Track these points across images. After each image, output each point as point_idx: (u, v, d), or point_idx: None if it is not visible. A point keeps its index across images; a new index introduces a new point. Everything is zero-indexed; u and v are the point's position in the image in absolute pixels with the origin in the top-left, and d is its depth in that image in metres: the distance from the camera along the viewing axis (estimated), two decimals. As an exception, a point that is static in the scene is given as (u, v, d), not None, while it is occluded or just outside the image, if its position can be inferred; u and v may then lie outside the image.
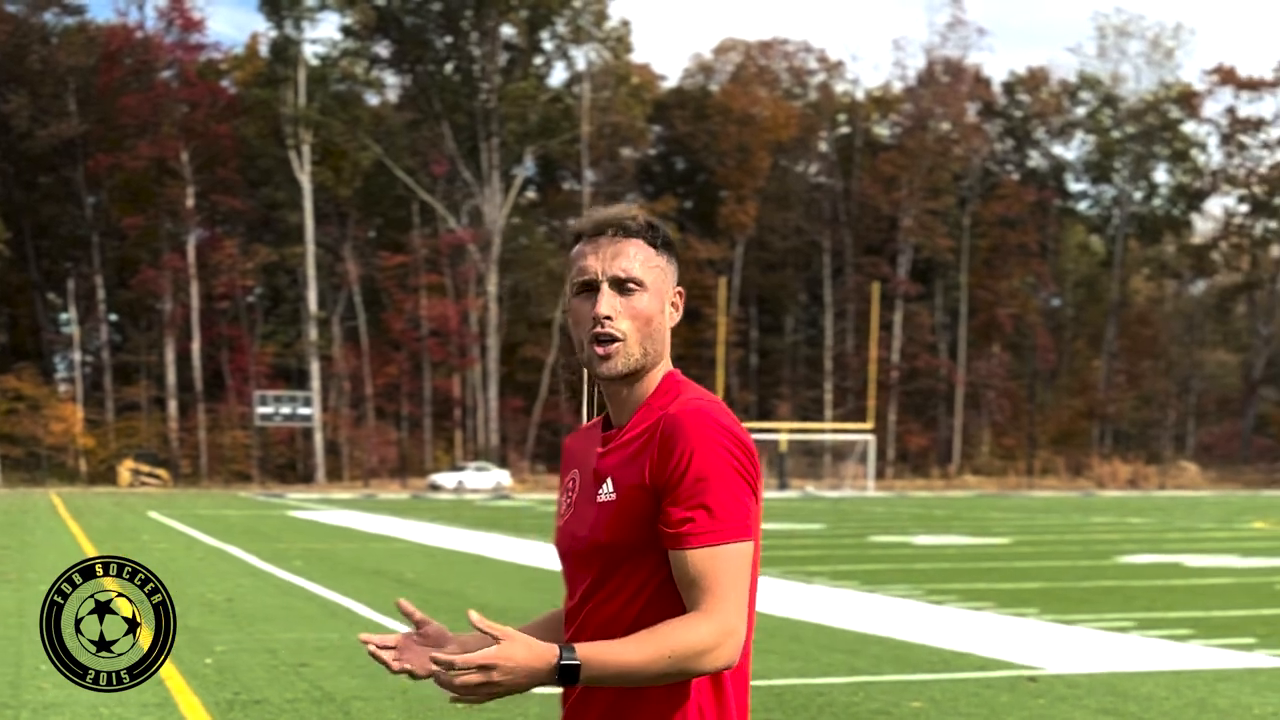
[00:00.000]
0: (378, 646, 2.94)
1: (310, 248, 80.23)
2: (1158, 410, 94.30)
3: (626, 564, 2.84)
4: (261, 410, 76.43)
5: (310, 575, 20.53)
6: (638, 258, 2.89)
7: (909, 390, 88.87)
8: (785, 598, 17.48)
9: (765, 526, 35.61)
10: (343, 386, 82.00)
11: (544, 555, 24.53)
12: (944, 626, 14.54)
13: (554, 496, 66.77)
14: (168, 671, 11.04)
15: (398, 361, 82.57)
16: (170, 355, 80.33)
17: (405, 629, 3.05)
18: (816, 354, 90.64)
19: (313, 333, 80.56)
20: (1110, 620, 14.99)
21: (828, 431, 79.75)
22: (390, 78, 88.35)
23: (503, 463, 78.84)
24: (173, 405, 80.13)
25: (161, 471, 76.47)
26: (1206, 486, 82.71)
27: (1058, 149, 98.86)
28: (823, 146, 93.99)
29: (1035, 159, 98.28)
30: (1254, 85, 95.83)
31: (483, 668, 2.62)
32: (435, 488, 71.11)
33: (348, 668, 11.44)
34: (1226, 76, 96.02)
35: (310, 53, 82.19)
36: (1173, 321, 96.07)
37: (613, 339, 2.87)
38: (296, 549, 26.35)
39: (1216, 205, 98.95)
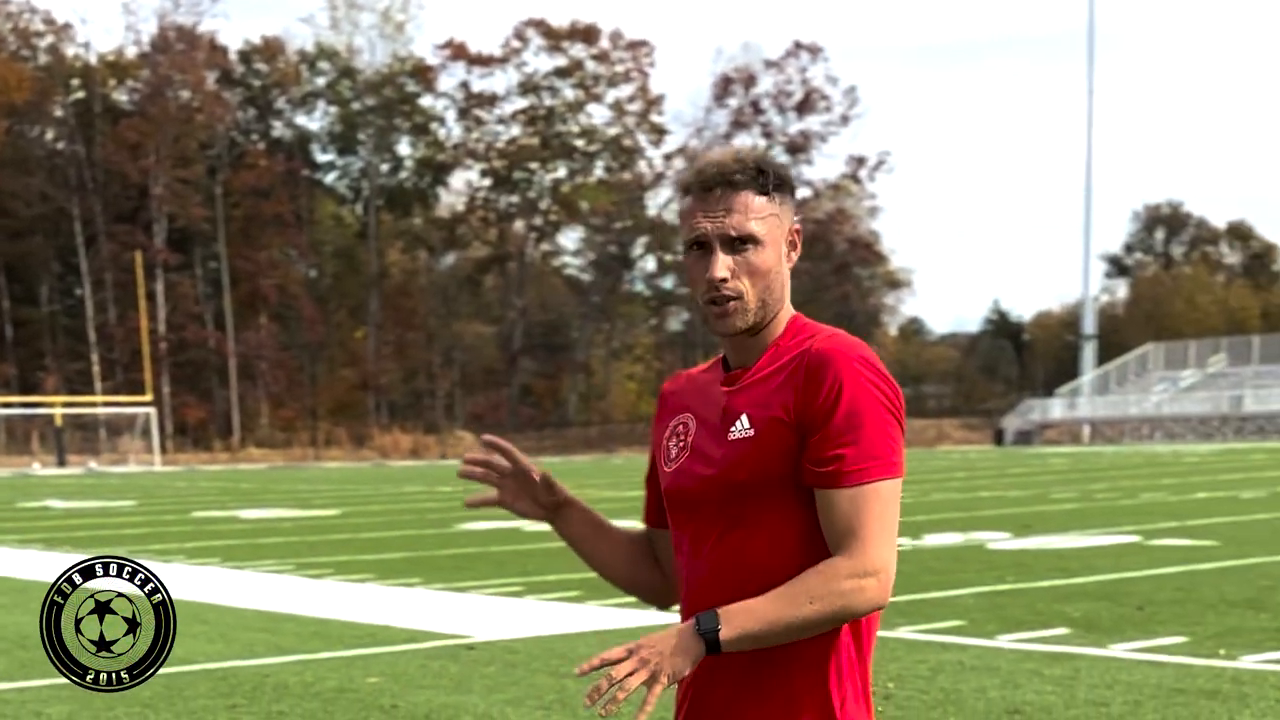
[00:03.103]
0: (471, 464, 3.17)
1: None
2: (427, 381, 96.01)
3: (766, 501, 2.83)
4: None
5: None
6: (748, 211, 2.85)
7: (180, 362, 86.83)
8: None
9: (72, 504, 33.99)
10: None
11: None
12: (342, 600, 14.52)
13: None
14: None
15: None
16: None
17: None
18: (78, 325, 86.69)
19: None
20: (498, 585, 15.34)
21: (102, 405, 76.36)
22: None
23: None
24: None
25: None
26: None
27: (301, 119, 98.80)
28: (59, 111, 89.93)
29: (280, 129, 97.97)
30: (485, 61, 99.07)
31: (630, 651, 2.65)
32: None
33: None
34: (458, 52, 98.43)
35: None
36: (430, 294, 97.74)
37: (728, 299, 2.86)
38: None
39: (461, 179, 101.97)
